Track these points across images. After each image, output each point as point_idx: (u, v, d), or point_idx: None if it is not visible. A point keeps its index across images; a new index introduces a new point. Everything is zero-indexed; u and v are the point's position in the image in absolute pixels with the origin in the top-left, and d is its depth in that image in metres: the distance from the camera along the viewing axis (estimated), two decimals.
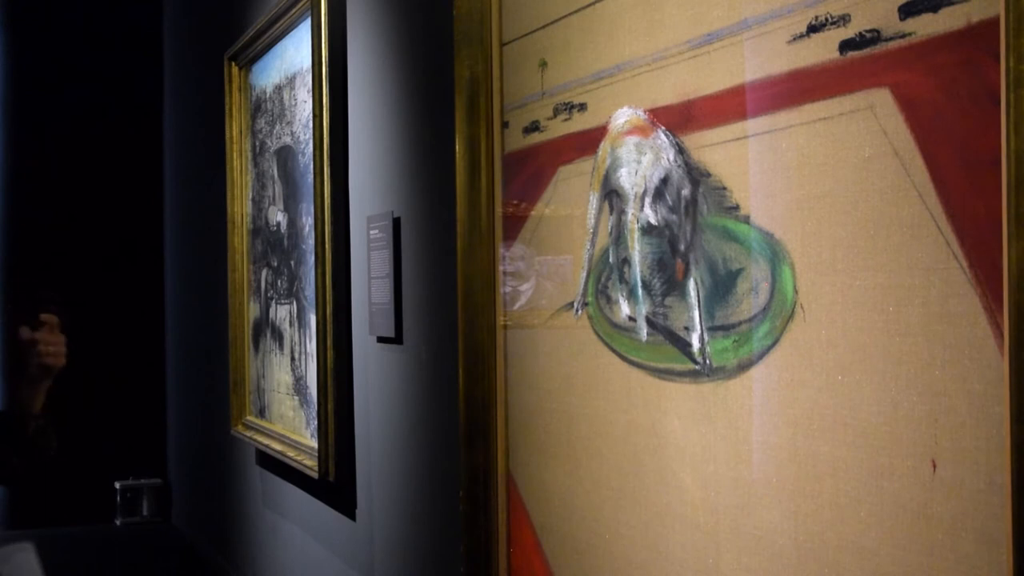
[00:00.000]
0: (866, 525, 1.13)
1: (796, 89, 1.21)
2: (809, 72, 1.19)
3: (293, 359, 3.28)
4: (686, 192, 1.39)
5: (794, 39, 1.21)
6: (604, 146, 1.57)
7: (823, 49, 1.17)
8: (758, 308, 1.27)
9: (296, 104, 3.19)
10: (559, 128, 1.70)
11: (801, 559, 1.22)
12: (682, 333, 1.41)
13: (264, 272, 3.60)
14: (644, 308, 1.49)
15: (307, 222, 3.09)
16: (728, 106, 1.32)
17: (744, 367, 1.30)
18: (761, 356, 1.27)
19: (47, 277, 5.51)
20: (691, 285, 1.39)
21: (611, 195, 1.56)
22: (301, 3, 2.98)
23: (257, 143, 3.67)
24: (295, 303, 3.25)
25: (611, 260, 1.56)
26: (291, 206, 3.28)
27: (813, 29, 1.19)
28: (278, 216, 3.43)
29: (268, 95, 3.52)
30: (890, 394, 1.10)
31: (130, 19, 5.87)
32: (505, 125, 1.87)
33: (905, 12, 1.07)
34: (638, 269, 1.50)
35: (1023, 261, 0.94)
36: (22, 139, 5.74)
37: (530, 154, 1.79)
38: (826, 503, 1.18)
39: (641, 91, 1.48)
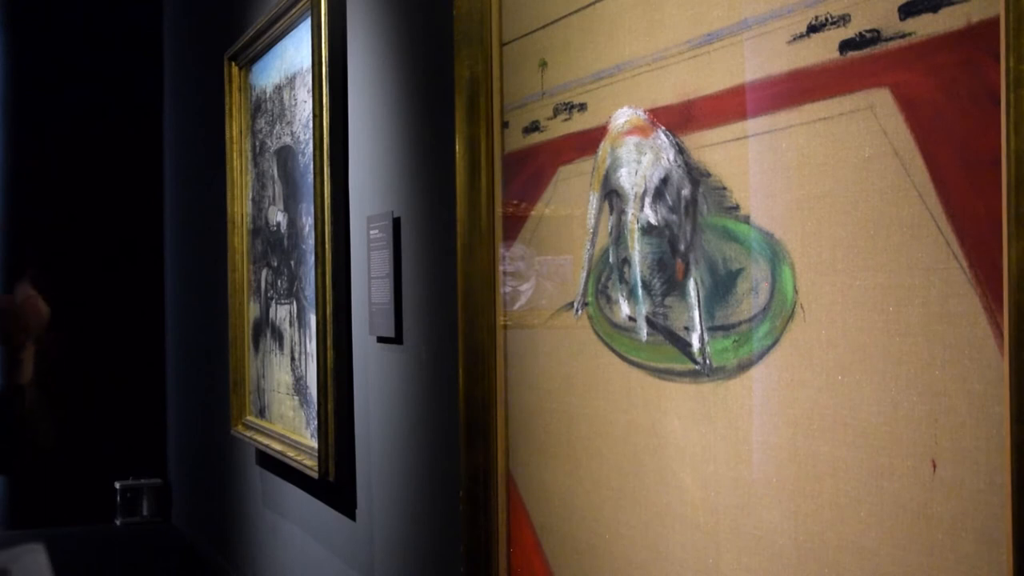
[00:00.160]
0: (866, 525, 1.13)
1: (796, 89, 1.21)
2: (809, 72, 1.19)
3: (293, 359, 3.28)
4: (686, 192, 1.39)
5: (794, 39, 1.21)
6: (604, 146, 1.57)
7: (823, 49, 1.17)
8: (758, 308, 1.27)
9: (296, 104, 3.19)
10: (559, 128, 1.70)
11: (801, 559, 1.22)
12: (682, 333, 1.41)
13: (264, 272, 3.61)
14: (644, 308, 1.49)
15: (307, 222, 3.09)
16: (728, 106, 1.32)
17: (744, 367, 1.30)
18: (761, 356, 1.27)
19: (47, 277, 5.50)
20: (691, 285, 1.39)
21: (611, 195, 1.56)
22: (301, 3, 2.98)
23: (257, 143, 3.67)
24: (295, 303, 3.25)
25: (611, 260, 1.56)
26: (291, 206, 3.28)
27: (813, 29, 1.19)
28: (278, 216, 3.43)
29: (268, 95, 3.52)
30: (890, 394, 1.10)
31: (130, 19, 5.87)
32: (505, 125, 1.87)
33: (905, 12, 1.07)
34: (638, 269, 1.50)
35: (1023, 261, 0.94)
36: (22, 139, 5.74)
37: (530, 154, 1.79)
38: (826, 503, 1.18)
39: (641, 91, 1.48)
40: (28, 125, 5.74)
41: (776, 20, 1.24)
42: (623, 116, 1.53)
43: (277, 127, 3.41)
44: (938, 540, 1.05)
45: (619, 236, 1.54)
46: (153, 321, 5.79)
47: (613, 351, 1.56)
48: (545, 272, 1.76)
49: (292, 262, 3.28)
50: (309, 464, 2.94)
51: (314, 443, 2.97)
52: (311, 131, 2.91)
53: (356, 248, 2.72)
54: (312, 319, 3.00)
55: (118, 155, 5.78)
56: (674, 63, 1.41)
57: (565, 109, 1.68)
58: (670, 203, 1.43)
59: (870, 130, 1.12)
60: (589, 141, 1.61)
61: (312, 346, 3.04)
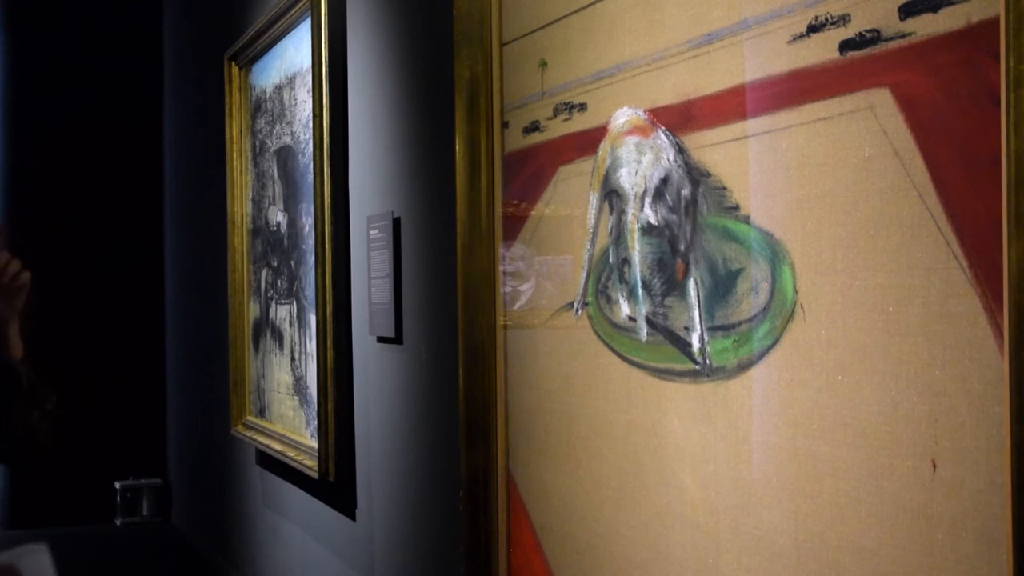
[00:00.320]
0: (866, 525, 1.13)
1: (796, 89, 1.21)
2: (809, 72, 1.19)
3: (293, 359, 3.28)
4: (686, 192, 1.39)
5: (794, 39, 1.21)
6: (604, 146, 1.57)
7: (823, 49, 1.17)
8: (758, 308, 1.27)
9: (296, 104, 3.19)
10: (559, 128, 1.70)
11: (801, 559, 1.22)
12: (682, 333, 1.41)
13: (264, 272, 3.61)
14: (644, 308, 1.49)
15: (307, 222, 3.09)
16: (728, 106, 1.32)
17: (744, 367, 1.30)
18: (761, 356, 1.27)
19: (47, 277, 5.50)
20: (691, 285, 1.39)
21: (611, 195, 1.56)
22: (301, 3, 2.98)
23: (257, 143, 3.67)
24: (295, 303, 3.25)
25: (611, 260, 1.56)
26: (291, 206, 3.28)
27: (813, 29, 1.19)
28: (278, 216, 3.43)
29: (268, 95, 3.52)
30: (890, 394, 1.10)
31: (130, 19, 5.87)
32: (505, 125, 1.87)
33: (905, 12, 1.07)
34: (638, 269, 1.50)
35: (1023, 261, 0.94)
36: (22, 139, 5.74)
37: (530, 154, 1.79)
38: (826, 503, 1.18)
39: (641, 91, 1.48)
40: (28, 125, 5.74)
41: (776, 20, 1.24)
42: (623, 116, 1.53)
43: (277, 127, 3.41)
44: (938, 540, 1.05)
45: (619, 236, 1.54)
46: (153, 321, 5.79)
47: (613, 351, 1.56)
48: (545, 272, 1.76)
49: (292, 262, 3.28)
50: (309, 464, 2.94)
51: (314, 443, 2.97)
52: (311, 131, 2.91)
53: (356, 248, 2.72)
54: (312, 319, 3.00)
55: (118, 155, 5.78)
56: (674, 63, 1.41)
57: (565, 109, 1.68)
58: (670, 203, 1.43)
59: (870, 130, 1.12)
60: (589, 141, 1.61)
61: (312, 346, 3.04)
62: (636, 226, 1.50)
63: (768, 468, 1.27)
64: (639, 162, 1.49)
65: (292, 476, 3.30)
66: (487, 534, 1.91)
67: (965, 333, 1.02)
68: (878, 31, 1.10)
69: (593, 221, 1.61)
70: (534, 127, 1.77)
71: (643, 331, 1.49)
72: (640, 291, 1.49)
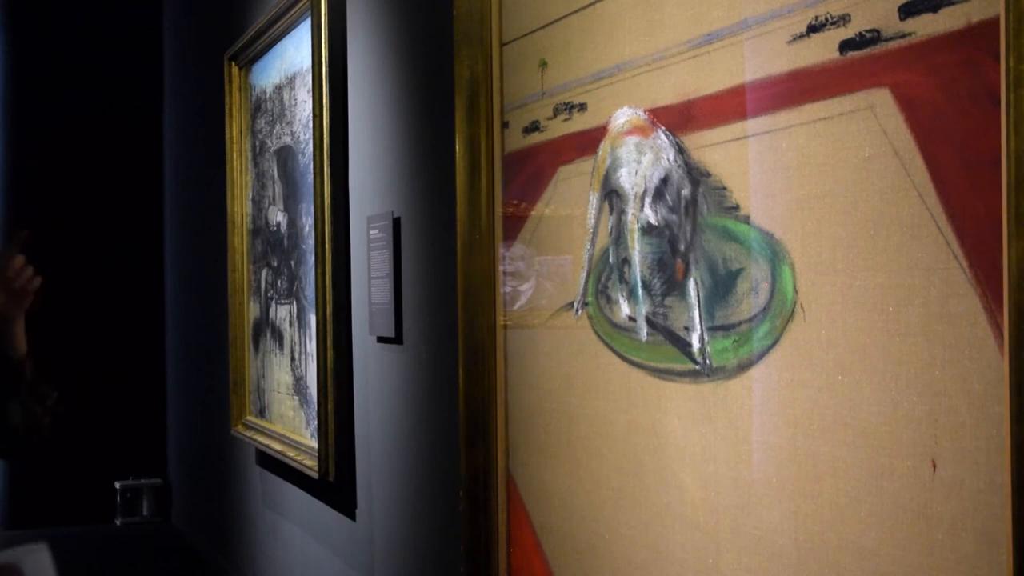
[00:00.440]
0: (866, 525, 1.13)
1: (796, 89, 1.21)
2: (809, 72, 1.19)
3: (293, 359, 3.28)
4: (686, 192, 1.39)
5: (794, 39, 1.21)
6: (604, 146, 1.57)
7: (823, 49, 1.17)
8: (758, 308, 1.27)
9: (296, 104, 3.19)
10: (559, 128, 1.70)
11: (801, 559, 1.22)
12: (682, 333, 1.41)
13: (264, 272, 3.61)
14: (644, 308, 1.49)
15: (307, 222, 3.09)
16: (728, 106, 1.32)
17: (744, 367, 1.30)
18: (761, 356, 1.27)
19: (47, 277, 5.50)
20: (691, 285, 1.39)
21: (611, 195, 1.56)
22: (301, 3, 2.98)
23: (257, 143, 3.67)
24: (295, 303, 3.25)
25: (611, 260, 1.56)
26: (291, 206, 3.28)
27: (813, 29, 1.19)
28: (278, 216, 3.43)
29: (268, 95, 3.52)
30: (890, 394, 1.10)
31: (130, 19, 5.87)
32: (505, 125, 1.87)
33: (905, 12, 1.07)
34: (638, 269, 1.50)
35: (1023, 261, 0.94)
36: (22, 139, 5.74)
37: (530, 154, 1.79)
38: (826, 503, 1.18)
39: (641, 91, 1.48)
40: (28, 125, 5.74)
41: (776, 20, 1.24)
42: (623, 116, 1.53)
43: (277, 127, 3.41)
44: (938, 540, 1.05)
45: (619, 236, 1.54)
46: (153, 321, 5.79)
47: (613, 351, 1.56)
48: (545, 272, 1.76)
49: (292, 262, 3.28)
50: (309, 464, 2.94)
51: (314, 443, 2.97)
52: (311, 131, 2.91)
53: (356, 248, 2.72)
54: (312, 319, 3.00)
55: (118, 155, 5.78)
56: (674, 63, 1.41)
57: (565, 109, 1.68)
58: (670, 203, 1.43)
59: (870, 130, 1.12)
60: (589, 141, 1.61)
61: (312, 346, 3.04)
62: (636, 226, 1.50)
63: (768, 468, 1.27)
64: (639, 162, 1.49)
65: (292, 476, 3.30)
66: (487, 534, 1.91)
67: (965, 333, 1.02)
68: (878, 31, 1.10)
69: (593, 221, 1.61)
70: (534, 127, 1.77)
71: (643, 331, 1.49)
72: (640, 291, 1.49)
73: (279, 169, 3.41)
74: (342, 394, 2.79)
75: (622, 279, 1.54)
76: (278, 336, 3.44)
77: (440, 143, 2.18)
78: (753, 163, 1.28)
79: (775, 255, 1.25)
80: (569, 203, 1.67)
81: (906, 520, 1.08)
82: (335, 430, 2.79)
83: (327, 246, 2.77)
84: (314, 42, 2.81)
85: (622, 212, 1.53)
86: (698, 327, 1.37)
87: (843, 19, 1.15)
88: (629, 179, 1.51)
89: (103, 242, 5.71)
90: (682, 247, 1.40)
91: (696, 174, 1.37)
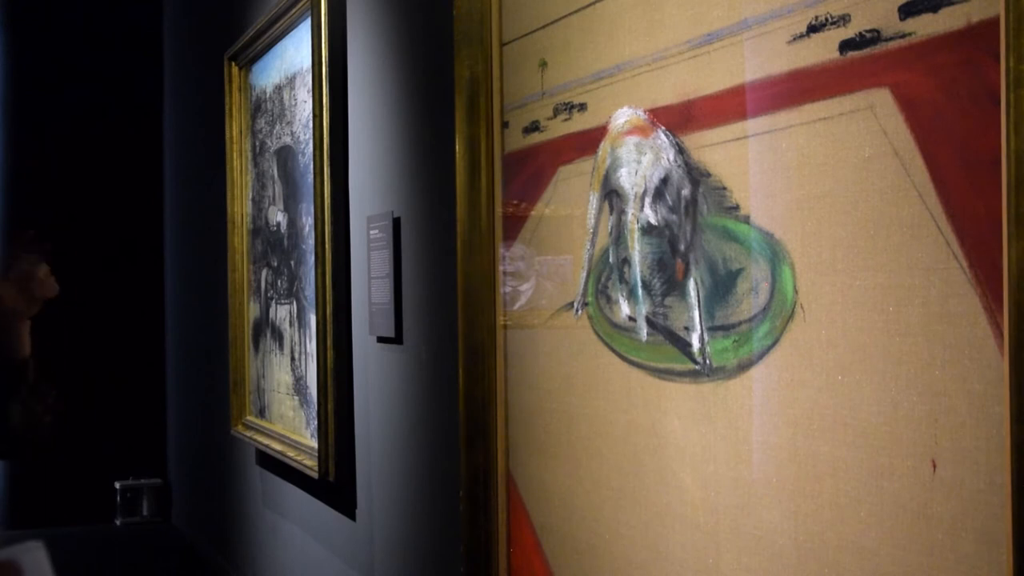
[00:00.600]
0: (866, 525, 1.13)
1: (796, 89, 1.21)
2: (809, 72, 1.19)
3: (293, 359, 3.28)
4: (686, 192, 1.39)
5: (794, 39, 1.21)
6: (604, 146, 1.57)
7: (823, 49, 1.17)
8: (758, 308, 1.27)
9: (296, 104, 3.19)
10: (559, 128, 1.70)
11: (801, 559, 1.22)
12: (682, 333, 1.41)
13: (264, 272, 3.61)
14: (644, 308, 1.49)
15: (307, 222, 3.09)
16: (728, 106, 1.32)
17: (744, 367, 1.30)
18: (761, 356, 1.27)
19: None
20: (691, 285, 1.39)
21: (611, 195, 1.56)
22: (301, 3, 2.98)
23: (257, 143, 3.67)
24: (295, 303, 3.25)
25: (611, 260, 1.56)
26: (291, 206, 3.28)
27: (813, 29, 1.19)
28: (278, 216, 3.43)
29: (268, 95, 3.52)
30: (890, 394, 1.10)
31: (130, 19, 5.87)
32: (505, 125, 1.87)
33: (905, 12, 1.07)
34: (638, 269, 1.50)
35: (1023, 261, 0.94)
36: (22, 139, 5.74)
37: (530, 154, 1.79)
38: (826, 503, 1.18)
39: (641, 91, 1.48)
40: (28, 125, 5.74)
41: (776, 20, 1.24)
42: (623, 116, 1.53)
43: (277, 127, 3.41)
44: (938, 540, 1.05)
45: (619, 236, 1.54)
46: (153, 321, 5.79)
47: (613, 351, 1.56)
48: (545, 272, 1.76)
49: (292, 262, 3.28)
50: (309, 464, 2.94)
51: (314, 443, 2.97)
52: (311, 131, 2.91)
53: (356, 248, 2.72)
54: (312, 319, 3.00)
55: (118, 155, 5.78)
56: (674, 63, 1.41)
57: (565, 109, 1.68)
58: (670, 203, 1.43)
59: (870, 130, 1.12)
60: (589, 141, 1.61)
61: (312, 346, 3.04)
62: (636, 226, 1.50)
63: (768, 468, 1.27)
64: (639, 162, 1.49)
65: (292, 476, 3.30)
66: (487, 534, 1.91)
67: (965, 333, 1.02)
68: (878, 31, 1.10)
69: (593, 221, 1.61)
70: (534, 127, 1.77)
71: (643, 331, 1.49)
72: (640, 291, 1.49)
73: (279, 169, 3.41)
74: (342, 394, 2.79)
75: (622, 279, 1.54)
76: (278, 336, 3.44)
77: (440, 143, 2.18)
78: (753, 163, 1.28)
79: (775, 255, 1.25)
80: (569, 203, 1.67)
81: (906, 520, 1.08)
82: (335, 430, 2.79)
83: (327, 246, 2.77)
84: (314, 42, 2.81)
85: (622, 212, 1.53)
86: (698, 327, 1.37)
87: (843, 19, 1.15)
88: (629, 179, 1.51)
89: (103, 242, 5.70)
90: (682, 247, 1.40)
91: (696, 174, 1.37)
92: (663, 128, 1.44)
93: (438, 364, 2.24)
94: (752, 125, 1.28)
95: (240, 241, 3.84)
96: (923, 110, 1.06)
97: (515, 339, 1.86)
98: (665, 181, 1.43)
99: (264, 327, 3.61)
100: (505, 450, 1.89)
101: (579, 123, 1.64)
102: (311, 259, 3.01)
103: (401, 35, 2.45)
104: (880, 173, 1.10)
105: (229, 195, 3.86)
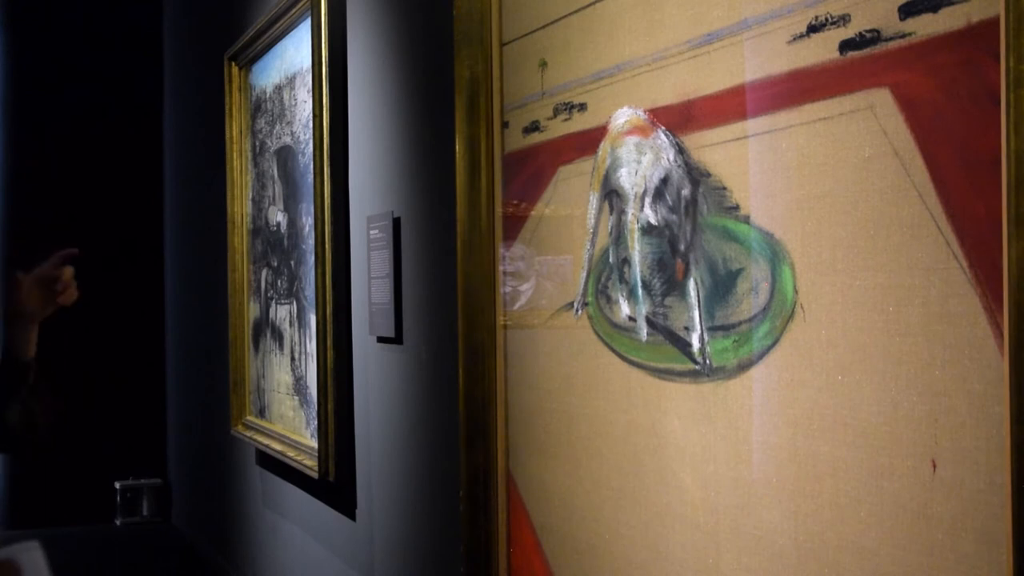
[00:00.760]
0: (866, 525, 1.13)
1: (796, 89, 1.21)
2: (809, 72, 1.19)
3: (293, 359, 3.28)
4: (686, 192, 1.39)
5: (794, 39, 1.21)
6: (604, 146, 1.57)
7: (823, 49, 1.17)
8: (758, 308, 1.27)
9: (296, 104, 3.19)
10: (559, 128, 1.70)
11: (801, 559, 1.22)
12: (682, 333, 1.41)
13: (264, 272, 3.61)
14: (644, 308, 1.49)
15: (307, 222, 3.09)
16: (728, 106, 1.32)
17: (744, 367, 1.30)
18: (761, 356, 1.27)
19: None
20: (691, 285, 1.39)
21: (611, 195, 1.56)
22: (301, 3, 2.98)
23: (257, 143, 3.67)
24: (295, 303, 3.25)
25: (611, 260, 1.56)
26: (291, 206, 3.28)
27: (813, 29, 1.19)
28: (278, 216, 3.43)
29: (268, 95, 3.52)
30: (890, 394, 1.10)
31: (130, 19, 5.87)
32: (505, 125, 1.87)
33: (905, 12, 1.07)
34: (638, 269, 1.50)
35: (1023, 261, 0.94)
36: (22, 139, 5.74)
37: (530, 154, 1.79)
38: (826, 503, 1.18)
39: (641, 91, 1.48)
40: (28, 125, 5.74)
41: (776, 20, 1.24)
42: (623, 116, 1.53)
43: (277, 127, 3.41)
44: (938, 540, 1.05)
45: (619, 236, 1.54)
46: (153, 321, 5.79)
47: (613, 351, 1.56)
48: (545, 272, 1.76)
49: (292, 262, 3.28)
50: (309, 464, 2.94)
51: (314, 443, 2.97)
52: (311, 131, 2.91)
53: (356, 248, 2.72)
54: (312, 319, 3.00)
55: (118, 155, 5.78)
56: (674, 63, 1.41)
57: (565, 109, 1.68)
58: (670, 203, 1.43)
59: (870, 130, 1.12)
60: (589, 141, 1.61)
61: (312, 346, 3.04)
62: (636, 226, 1.50)
63: (768, 468, 1.27)
64: (639, 162, 1.49)
65: (292, 476, 3.30)
66: (487, 534, 1.91)
67: (965, 333, 1.02)
68: (878, 31, 1.10)
69: (593, 221, 1.61)
70: (534, 127, 1.77)
71: (643, 331, 1.49)
72: (640, 291, 1.49)
73: (279, 169, 3.41)
74: (342, 394, 2.79)
75: (622, 279, 1.54)
76: (278, 336, 3.44)
77: (440, 143, 2.18)
78: (753, 163, 1.28)
79: (775, 255, 1.25)
80: (569, 203, 1.67)
81: (906, 520, 1.08)
82: (335, 430, 2.79)
83: (327, 246, 2.77)
84: (314, 42, 2.81)
85: (622, 212, 1.53)
86: (698, 327, 1.37)
87: (843, 19, 1.15)
88: (629, 179, 1.51)
89: (103, 242, 5.70)
90: (682, 247, 1.40)
91: (696, 174, 1.37)
92: (663, 128, 1.44)
93: (438, 364, 2.24)
94: (752, 125, 1.28)
95: (240, 241, 3.84)
96: (923, 110, 1.06)
97: (515, 339, 1.86)
98: (665, 181, 1.43)
99: (264, 327, 3.61)
100: (505, 450, 1.89)
101: (579, 123, 1.64)
102: (311, 259, 3.01)
103: (401, 35, 2.45)
104: (880, 173, 1.10)
105: (229, 195, 3.86)
